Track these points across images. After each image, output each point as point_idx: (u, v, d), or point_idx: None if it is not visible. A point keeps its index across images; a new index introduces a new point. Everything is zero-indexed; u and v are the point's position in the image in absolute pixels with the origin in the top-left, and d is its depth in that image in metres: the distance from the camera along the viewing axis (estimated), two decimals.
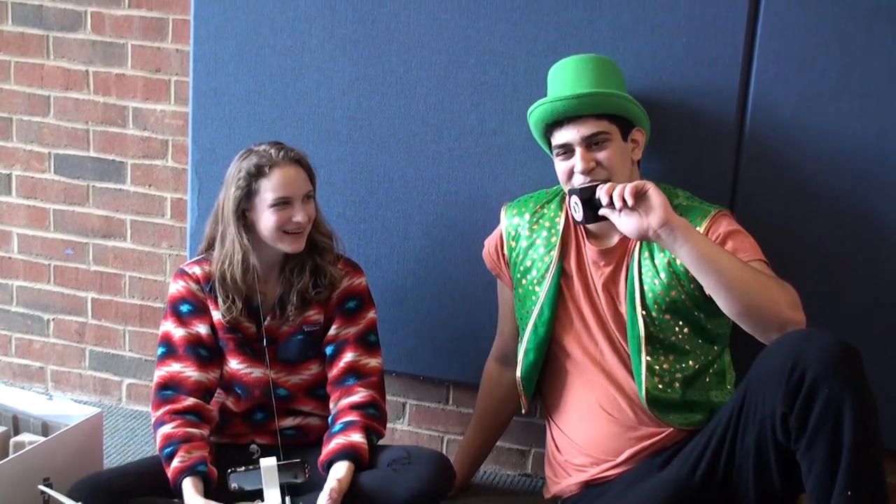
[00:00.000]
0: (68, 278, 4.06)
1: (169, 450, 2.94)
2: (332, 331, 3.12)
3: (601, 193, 2.78)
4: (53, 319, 4.11)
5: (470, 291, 3.47)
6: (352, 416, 3.03)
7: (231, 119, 3.57)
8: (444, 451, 3.72)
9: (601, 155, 2.96)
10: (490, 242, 3.27)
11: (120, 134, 3.88)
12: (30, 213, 4.04)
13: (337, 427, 3.02)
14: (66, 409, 3.41)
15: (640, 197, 2.72)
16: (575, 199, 2.86)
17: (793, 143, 3.14)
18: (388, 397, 3.57)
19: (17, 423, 3.43)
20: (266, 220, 3.00)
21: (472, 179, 3.41)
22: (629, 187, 2.72)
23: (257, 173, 2.98)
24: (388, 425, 3.45)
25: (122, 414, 4.04)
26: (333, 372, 3.11)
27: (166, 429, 2.98)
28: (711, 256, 2.72)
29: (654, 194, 2.71)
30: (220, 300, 3.07)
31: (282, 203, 2.99)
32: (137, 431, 3.86)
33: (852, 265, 3.16)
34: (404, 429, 3.76)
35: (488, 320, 3.41)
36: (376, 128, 3.46)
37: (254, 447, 3.12)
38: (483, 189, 3.40)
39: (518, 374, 3.20)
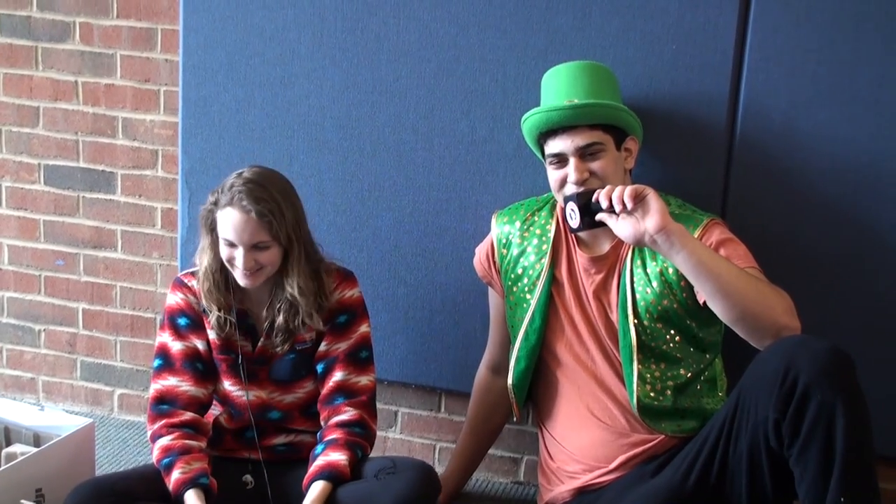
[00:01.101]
0: (59, 289, 4.06)
1: (168, 460, 2.92)
2: (323, 347, 3.07)
3: (601, 196, 2.76)
4: (44, 330, 4.10)
5: (461, 299, 3.47)
6: (335, 434, 2.99)
7: (221, 129, 3.57)
8: (436, 460, 3.73)
9: (595, 165, 2.96)
10: (481, 250, 3.27)
11: (110, 144, 3.88)
12: (20, 224, 4.03)
13: (319, 448, 2.99)
14: (58, 420, 3.41)
15: (638, 201, 2.72)
16: (572, 205, 2.84)
17: (783, 149, 3.14)
18: (379, 405, 3.57)
19: (9, 434, 3.43)
20: (221, 249, 2.97)
21: (462, 187, 3.41)
22: (629, 190, 2.71)
23: (215, 203, 2.95)
24: (380, 433, 3.46)
25: (114, 424, 4.03)
26: (323, 391, 3.07)
27: (164, 441, 2.96)
28: (708, 263, 2.72)
29: (653, 199, 2.71)
30: (212, 316, 3.03)
31: (227, 243, 2.94)
32: (129, 441, 3.86)
33: (843, 270, 3.16)
34: (396, 437, 3.76)
35: (480, 328, 3.42)
36: (366, 136, 3.46)
37: (247, 478, 3.08)
38: (474, 197, 3.40)
39: (509, 381, 3.20)
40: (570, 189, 2.96)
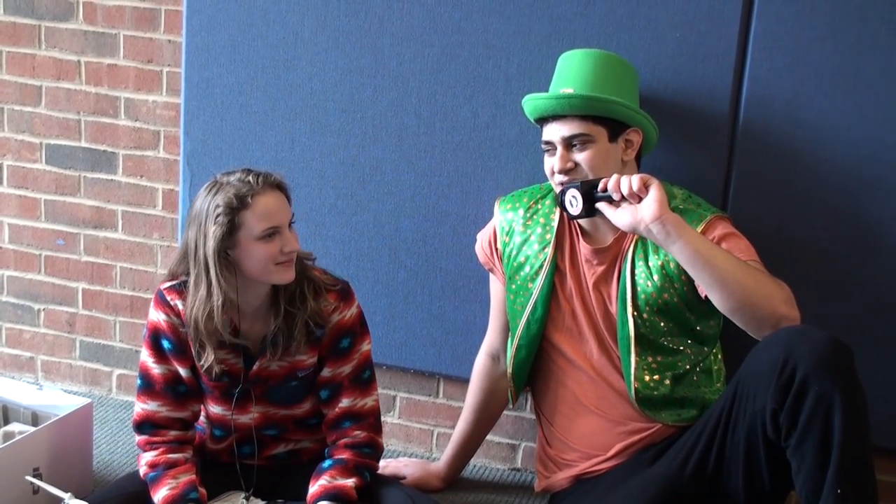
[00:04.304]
0: (59, 268, 4.05)
1: (154, 475, 2.88)
2: (326, 372, 2.96)
3: (609, 185, 2.77)
4: (44, 309, 4.10)
5: (461, 285, 3.47)
6: (344, 455, 2.93)
7: (223, 110, 3.56)
8: (434, 445, 3.73)
9: (580, 156, 2.95)
10: (483, 237, 3.26)
11: (111, 124, 3.87)
12: (21, 203, 4.03)
13: (327, 463, 2.93)
14: (57, 400, 3.40)
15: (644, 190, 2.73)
16: (574, 191, 2.84)
17: (786, 139, 3.14)
18: (378, 390, 3.58)
19: (7, 413, 3.43)
20: (255, 254, 2.77)
21: (464, 172, 3.40)
22: (636, 180, 2.72)
23: (240, 205, 2.73)
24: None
25: (112, 404, 4.03)
26: (329, 416, 2.99)
27: (148, 456, 2.91)
28: (705, 253, 2.72)
29: (655, 189, 2.72)
30: (194, 349, 2.87)
31: (270, 233, 2.77)
32: (127, 422, 3.85)
33: (845, 259, 3.16)
34: (394, 422, 3.76)
35: (479, 314, 3.41)
36: (368, 120, 3.45)
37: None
38: (475, 182, 3.40)
39: (509, 369, 3.21)
40: (558, 178, 2.96)
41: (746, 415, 2.67)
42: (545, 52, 3.19)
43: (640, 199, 2.73)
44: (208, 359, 2.85)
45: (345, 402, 2.96)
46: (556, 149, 2.98)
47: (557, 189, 3.00)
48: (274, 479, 3.06)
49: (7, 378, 3.84)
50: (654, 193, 2.71)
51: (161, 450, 2.92)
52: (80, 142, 3.92)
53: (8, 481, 3.04)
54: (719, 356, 3.13)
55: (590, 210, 2.83)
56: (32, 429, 3.23)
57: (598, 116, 2.95)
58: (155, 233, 3.92)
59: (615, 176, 2.78)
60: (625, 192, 2.74)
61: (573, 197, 2.85)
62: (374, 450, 2.98)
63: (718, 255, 2.74)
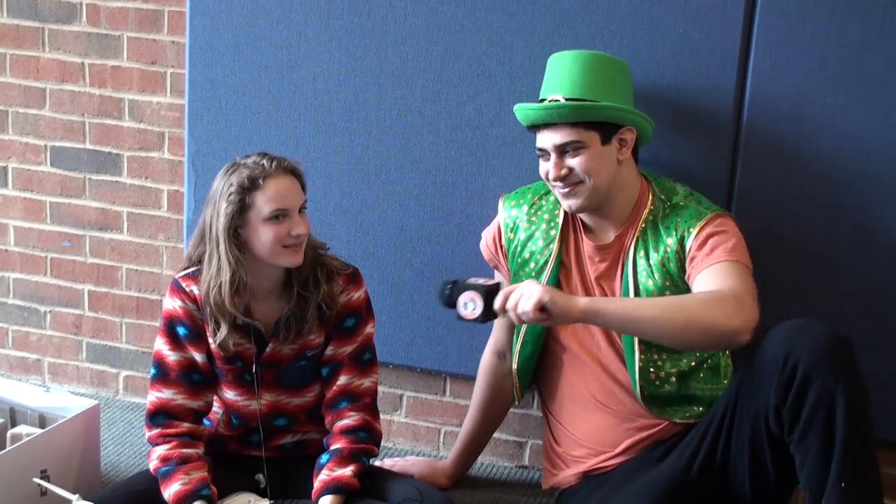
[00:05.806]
0: (65, 271, 4.06)
1: (166, 469, 2.88)
2: (329, 350, 3.01)
3: (508, 307, 2.69)
4: (50, 312, 4.11)
5: None
6: (339, 444, 2.96)
7: (227, 111, 3.56)
8: (441, 443, 3.73)
9: (574, 162, 2.94)
10: (488, 234, 3.26)
11: (116, 126, 3.87)
12: (26, 206, 4.03)
13: (325, 458, 2.96)
14: (64, 402, 3.41)
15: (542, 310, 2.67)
16: (473, 294, 2.74)
17: (790, 134, 3.14)
18: (385, 389, 3.59)
19: (15, 416, 3.43)
20: (263, 235, 2.84)
21: (468, 170, 3.40)
22: (530, 310, 2.64)
23: (251, 186, 2.81)
24: (385, 417, 3.45)
25: (120, 406, 4.03)
26: (328, 394, 3.03)
27: (161, 450, 2.92)
28: (631, 314, 2.72)
29: (551, 305, 2.65)
30: (210, 327, 2.93)
31: (279, 216, 2.83)
32: (134, 423, 3.86)
33: (848, 255, 3.15)
34: (401, 420, 3.76)
35: None
36: (373, 119, 3.45)
37: (259, 477, 3.06)
38: (480, 180, 3.40)
39: (514, 365, 3.21)
40: (555, 183, 2.96)
41: (750, 411, 2.68)
42: (548, 50, 3.18)
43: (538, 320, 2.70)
44: (222, 334, 2.90)
45: (342, 380, 3.01)
46: (549, 155, 2.98)
47: (557, 193, 3.01)
48: (280, 471, 3.07)
49: (14, 380, 3.85)
50: (553, 309, 2.65)
51: (174, 443, 2.93)
52: (85, 143, 3.92)
53: (16, 483, 3.04)
54: (727, 352, 3.13)
55: (487, 316, 2.74)
56: (40, 431, 3.23)
57: (589, 121, 2.95)
58: (160, 234, 3.92)
59: (511, 303, 2.68)
60: (511, 314, 2.69)
61: (471, 300, 2.74)
62: (369, 434, 3.01)
63: (645, 309, 2.74)
